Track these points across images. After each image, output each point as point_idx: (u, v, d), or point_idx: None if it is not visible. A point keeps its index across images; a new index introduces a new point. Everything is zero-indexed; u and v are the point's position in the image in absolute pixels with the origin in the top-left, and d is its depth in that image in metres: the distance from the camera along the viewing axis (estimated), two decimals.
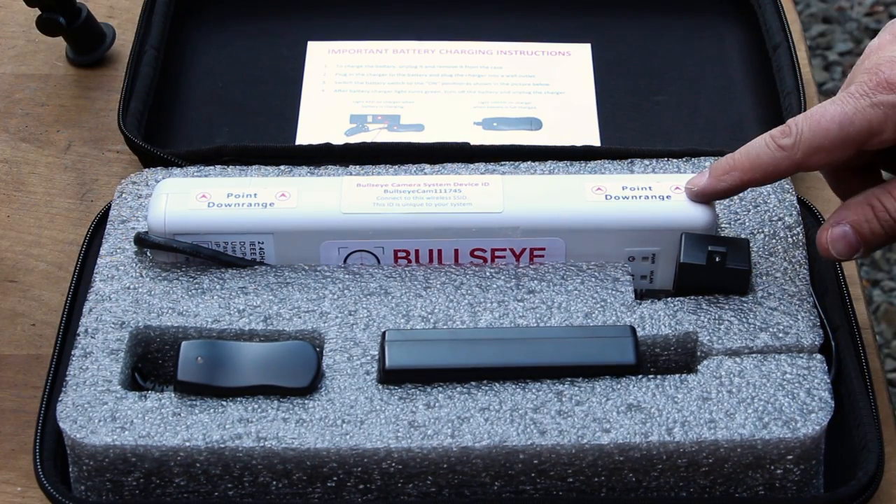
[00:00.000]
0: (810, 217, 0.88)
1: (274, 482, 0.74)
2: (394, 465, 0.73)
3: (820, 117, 0.75)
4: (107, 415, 0.74)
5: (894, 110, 0.74)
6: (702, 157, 0.89)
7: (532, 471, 0.74)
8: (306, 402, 0.75)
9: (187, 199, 0.82)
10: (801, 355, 0.77)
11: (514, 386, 0.76)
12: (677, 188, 0.82)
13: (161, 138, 0.96)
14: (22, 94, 1.02)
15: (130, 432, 0.74)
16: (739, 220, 0.84)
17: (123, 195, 0.87)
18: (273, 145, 0.93)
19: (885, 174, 0.81)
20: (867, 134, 0.75)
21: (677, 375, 0.76)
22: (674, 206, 0.81)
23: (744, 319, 0.79)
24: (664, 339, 0.78)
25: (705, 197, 0.80)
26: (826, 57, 2.27)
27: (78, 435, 0.74)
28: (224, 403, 0.75)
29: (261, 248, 0.82)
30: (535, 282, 0.81)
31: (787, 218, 0.84)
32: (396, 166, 0.88)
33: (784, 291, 0.80)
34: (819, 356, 0.77)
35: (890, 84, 0.74)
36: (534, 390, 0.75)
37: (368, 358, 0.77)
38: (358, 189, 0.82)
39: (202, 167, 0.89)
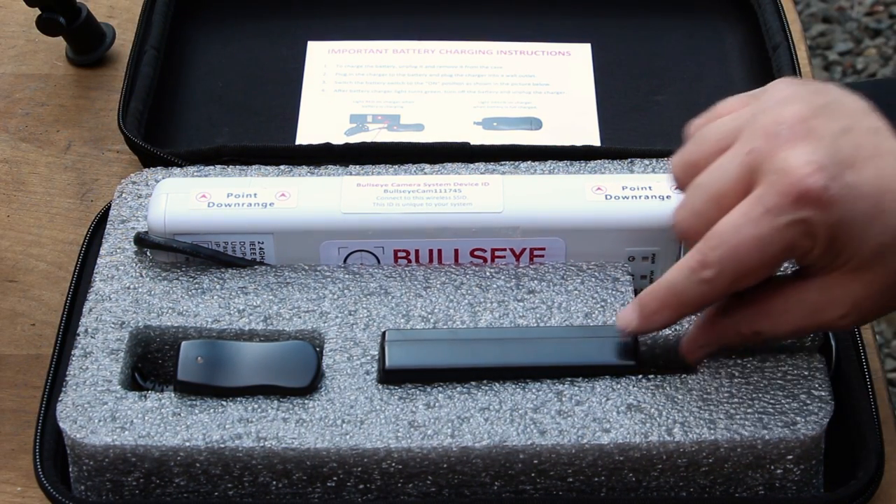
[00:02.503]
0: None
1: (274, 482, 0.74)
2: (394, 465, 0.73)
3: (738, 244, 0.69)
4: (107, 415, 0.74)
5: (814, 226, 0.69)
6: None
7: (532, 471, 0.74)
8: (306, 402, 0.75)
9: (187, 198, 0.82)
10: (801, 355, 0.77)
11: (514, 386, 0.76)
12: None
13: (161, 138, 0.96)
14: (22, 94, 1.02)
15: (130, 432, 0.74)
16: None
17: (123, 195, 0.87)
18: (273, 145, 0.93)
19: None
20: (789, 252, 0.70)
21: (677, 375, 0.76)
22: (674, 205, 0.81)
23: None
24: (664, 339, 0.78)
25: (640, 334, 0.77)
26: (826, 57, 2.27)
27: (78, 435, 0.74)
28: (224, 403, 0.75)
29: (261, 248, 0.82)
30: (535, 282, 0.81)
31: None
32: (396, 166, 0.88)
33: None
34: (819, 356, 0.77)
35: (805, 197, 0.68)
36: (534, 390, 0.75)
37: (368, 358, 0.77)
38: (358, 189, 0.82)
39: (202, 167, 0.89)
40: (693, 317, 0.76)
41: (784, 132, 0.70)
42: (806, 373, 0.76)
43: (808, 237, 0.69)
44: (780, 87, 0.73)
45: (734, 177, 0.71)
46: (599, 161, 0.88)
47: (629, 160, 0.88)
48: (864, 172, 0.69)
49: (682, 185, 0.74)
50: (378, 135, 0.97)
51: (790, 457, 0.74)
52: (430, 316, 0.80)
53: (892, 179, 0.69)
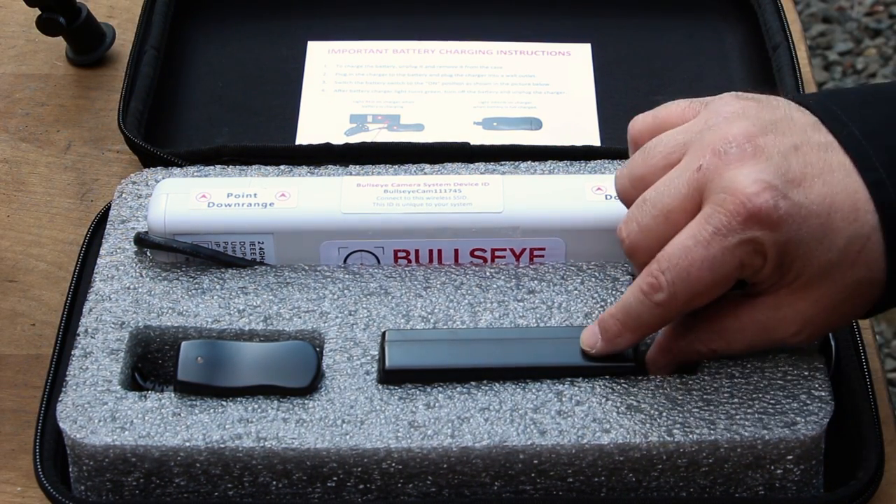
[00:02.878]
0: None
1: (274, 482, 0.74)
2: (394, 465, 0.73)
3: (689, 266, 0.70)
4: (107, 415, 0.74)
5: (763, 245, 0.69)
6: None
7: (532, 471, 0.74)
8: (306, 402, 0.75)
9: (187, 199, 0.82)
10: (800, 355, 0.77)
11: (514, 386, 0.76)
12: None
13: (161, 138, 0.96)
14: (22, 94, 1.02)
15: (130, 432, 0.74)
16: None
17: (123, 195, 0.87)
18: (273, 145, 0.93)
19: None
20: (739, 271, 0.70)
21: (677, 376, 0.76)
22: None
23: None
24: None
25: (605, 355, 0.77)
26: (826, 57, 2.27)
27: (78, 435, 0.74)
28: (224, 403, 0.75)
29: (261, 248, 0.82)
30: (535, 282, 0.81)
31: None
32: (396, 166, 0.88)
33: None
34: (819, 356, 0.77)
35: (755, 217, 0.69)
36: (534, 390, 0.75)
37: (368, 358, 0.77)
38: (358, 189, 0.82)
39: (202, 167, 0.89)
40: None
41: (732, 150, 0.70)
42: (806, 373, 0.76)
43: (758, 256, 0.70)
44: (728, 101, 0.73)
45: (683, 193, 0.71)
46: (599, 161, 0.88)
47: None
48: (813, 190, 0.69)
49: (627, 198, 0.75)
50: (378, 135, 0.97)
51: (790, 457, 0.73)
52: (430, 316, 0.80)
53: (840, 197, 0.70)
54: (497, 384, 0.76)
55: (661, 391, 0.75)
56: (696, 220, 0.70)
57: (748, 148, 0.70)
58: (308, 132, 0.97)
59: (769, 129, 0.71)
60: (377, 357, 0.77)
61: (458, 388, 0.76)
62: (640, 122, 0.77)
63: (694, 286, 0.71)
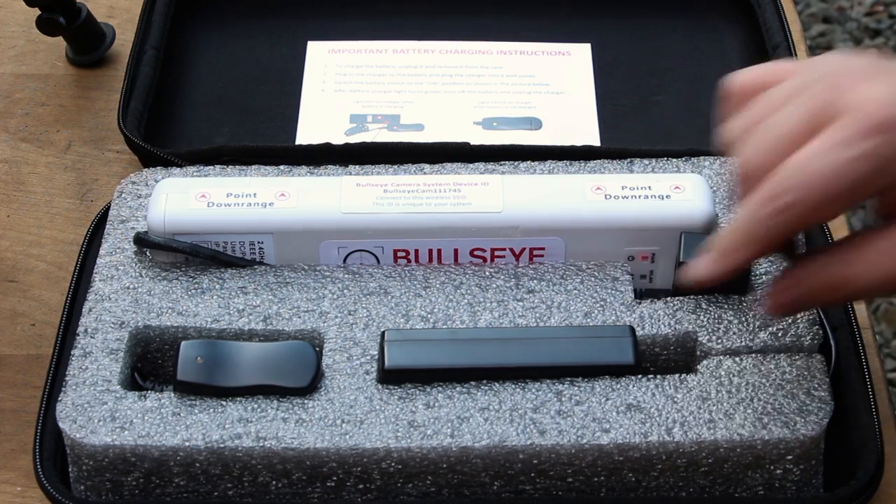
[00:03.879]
0: None
1: (273, 482, 0.74)
2: (393, 464, 0.73)
3: (811, 173, 0.68)
4: (106, 415, 0.74)
5: (890, 160, 0.68)
6: (702, 157, 0.89)
7: (532, 471, 0.74)
8: (306, 401, 0.75)
9: (187, 198, 0.82)
10: (800, 355, 0.77)
11: (513, 386, 0.76)
12: (677, 188, 0.82)
13: (161, 138, 0.96)
14: (22, 94, 1.02)
15: (130, 432, 0.74)
16: None
17: (123, 195, 0.87)
18: (273, 145, 0.93)
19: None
20: (864, 185, 0.68)
21: (677, 375, 0.76)
22: (673, 205, 0.81)
23: (743, 319, 0.79)
24: (664, 339, 0.78)
25: (714, 279, 0.73)
26: None
27: (77, 435, 0.74)
28: (224, 403, 0.75)
29: (260, 248, 0.82)
30: (535, 281, 0.81)
31: None
32: (396, 166, 0.88)
33: None
34: (819, 356, 0.77)
35: (880, 127, 0.67)
36: (533, 390, 0.75)
37: (368, 358, 0.77)
38: (357, 189, 0.82)
39: (202, 167, 0.89)
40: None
41: (854, 73, 0.70)
42: (806, 373, 0.76)
43: (883, 170, 0.68)
44: (836, 54, 0.74)
45: (806, 117, 0.69)
46: (599, 161, 0.88)
47: (629, 160, 0.88)
48: None
49: (738, 142, 0.73)
50: (378, 135, 0.97)
51: (790, 457, 0.74)
52: (429, 316, 0.80)
53: None
54: (496, 384, 0.76)
55: (660, 391, 0.75)
56: (820, 135, 0.69)
57: (869, 70, 0.70)
58: (308, 132, 0.97)
59: (883, 67, 0.71)
60: (377, 357, 0.77)
61: (457, 388, 0.76)
62: (745, 74, 0.76)
63: (816, 195, 0.68)
